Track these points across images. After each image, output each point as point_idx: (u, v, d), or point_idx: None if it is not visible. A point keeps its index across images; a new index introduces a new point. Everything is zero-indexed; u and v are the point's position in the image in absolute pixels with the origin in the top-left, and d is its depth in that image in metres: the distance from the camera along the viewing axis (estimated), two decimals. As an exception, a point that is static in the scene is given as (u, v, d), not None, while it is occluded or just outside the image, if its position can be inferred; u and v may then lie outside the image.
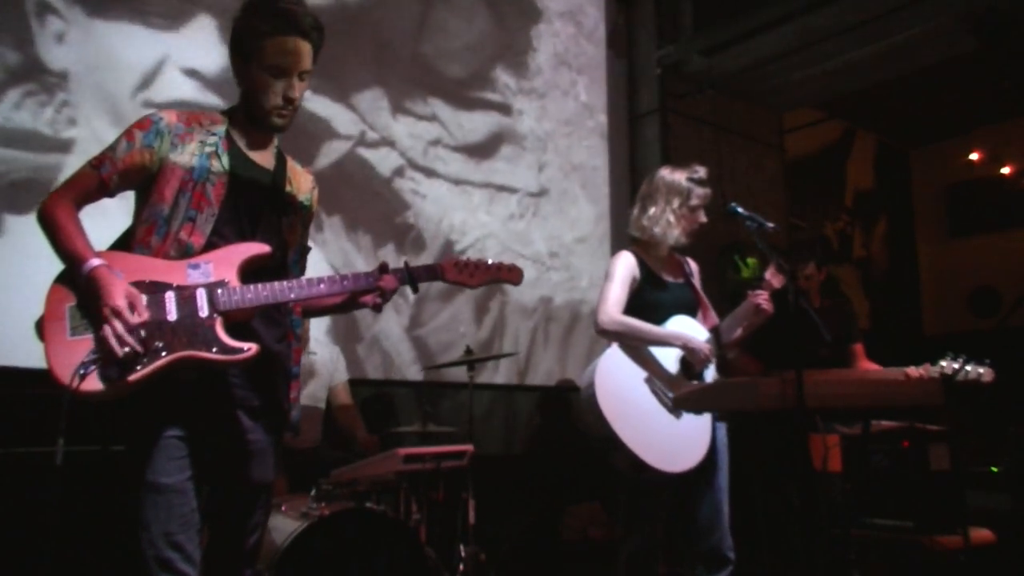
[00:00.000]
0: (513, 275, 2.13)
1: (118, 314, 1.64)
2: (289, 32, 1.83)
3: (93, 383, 1.63)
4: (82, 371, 1.62)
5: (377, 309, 1.99)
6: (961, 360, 2.91)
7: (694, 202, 2.78)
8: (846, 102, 6.61)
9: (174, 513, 1.72)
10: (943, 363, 2.99)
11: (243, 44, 1.87)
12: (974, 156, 7.59)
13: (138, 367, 1.65)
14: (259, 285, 1.81)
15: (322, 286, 1.87)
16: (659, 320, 2.71)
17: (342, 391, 3.74)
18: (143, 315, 1.67)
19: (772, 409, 2.08)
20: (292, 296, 1.84)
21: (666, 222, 2.77)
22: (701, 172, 2.82)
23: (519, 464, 4.66)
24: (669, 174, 2.84)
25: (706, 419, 2.61)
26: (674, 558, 2.68)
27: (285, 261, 1.98)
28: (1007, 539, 3.52)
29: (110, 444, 2.93)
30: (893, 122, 7.58)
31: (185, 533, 1.73)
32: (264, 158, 1.97)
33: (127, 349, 1.63)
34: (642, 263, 2.80)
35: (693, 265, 2.99)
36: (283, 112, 1.88)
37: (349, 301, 2.01)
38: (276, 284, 1.83)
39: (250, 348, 1.74)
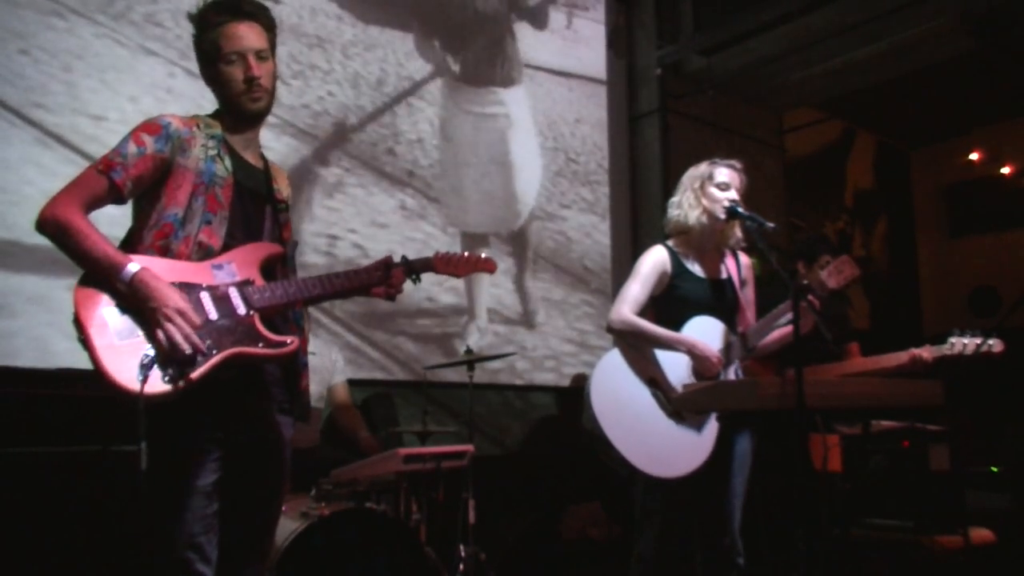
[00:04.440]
0: (488, 265, 2.28)
1: (183, 314, 1.67)
2: (231, 18, 1.89)
3: (157, 385, 1.64)
4: (139, 375, 1.61)
5: (390, 298, 2.11)
6: (969, 334, 2.92)
7: (718, 180, 2.67)
8: (846, 102, 6.60)
9: (198, 515, 1.74)
10: (952, 340, 2.99)
11: (202, 49, 1.92)
12: (974, 156, 7.58)
13: (196, 366, 1.67)
14: (286, 282, 1.89)
15: (341, 282, 1.97)
16: (683, 317, 2.64)
17: (341, 391, 3.74)
18: (201, 314, 1.71)
19: (772, 409, 2.08)
20: (319, 292, 1.92)
21: (687, 205, 2.70)
22: (731, 160, 2.73)
23: (519, 464, 4.66)
24: (694, 167, 2.77)
25: (711, 426, 2.56)
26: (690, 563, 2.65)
27: (285, 257, 2.00)
28: (1007, 539, 3.52)
29: (111, 444, 2.93)
30: (893, 122, 7.57)
31: (205, 535, 1.75)
32: (254, 158, 2.01)
33: (191, 347, 1.66)
34: (674, 257, 2.73)
35: (745, 263, 2.83)
36: (252, 95, 1.90)
37: (357, 290, 2.07)
38: (301, 280, 1.91)
39: (293, 341, 1.80)
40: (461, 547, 3.39)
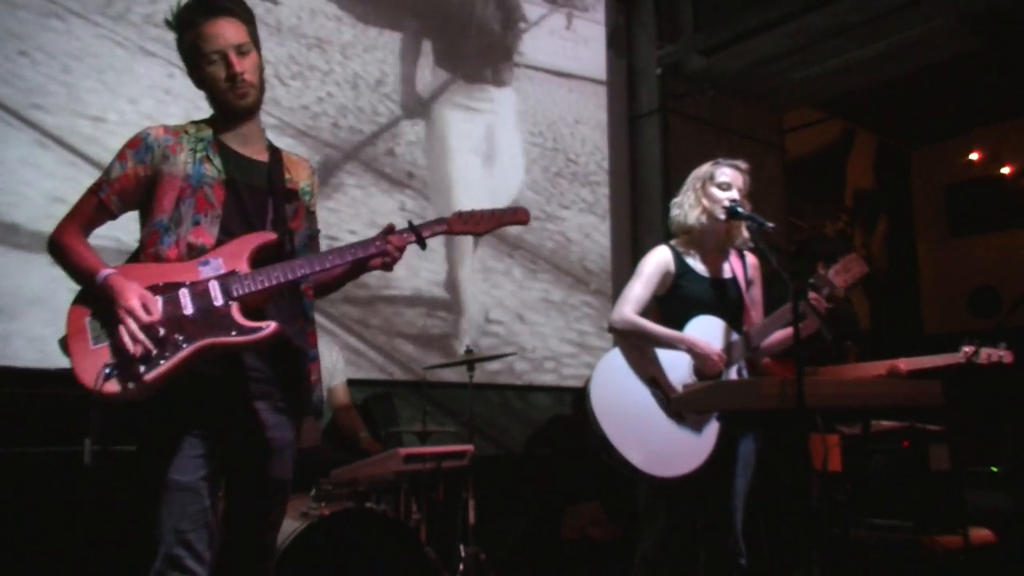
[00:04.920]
0: (520, 216, 2.13)
1: (131, 312, 1.69)
2: (208, 16, 1.89)
3: (116, 384, 1.68)
4: (106, 372, 1.67)
5: (387, 268, 2.02)
6: (979, 342, 2.97)
7: (719, 179, 2.67)
8: (846, 102, 6.60)
9: (186, 511, 1.75)
10: (965, 348, 3.03)
11: (184, 52, 1.93)
12: (974, 156, 7.58)
13: (160, 363, 1.69)
14: (270, 267, 1.86)
15: (332, 258, 1.91)
16: (687, 317, 2.64)
17: (341, 392, 3.74)
18: (156, 314, 1.72)
19: (772, 409, 2.08)
20: (304, 272, 1.88)
21: (687, 205, 2.70)
22: (735, 161, 2.73)
23: (519, 464, 4.66)
24: (699, 167, 2.78)
25: (711, 426, 2.55)
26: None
27: (293, 248, 2.00)
28: (1007, 539, 3.52)
29: (108, 444, 2.93)
30: (893, 122, 7.57)
31: (195, 532, 1.76)
32: (256, 152, 2.00)
33: (140, 347, 1.68)
34: (678, 257, 2.73)
35: (752, 262, 2.82)
36: (237, 90, 1.90)
37: (358, 267, 2.02)
38: (286, 263, 1.88)
39: (268, 326, 1.78)
40: (461, 547, 3.39)
